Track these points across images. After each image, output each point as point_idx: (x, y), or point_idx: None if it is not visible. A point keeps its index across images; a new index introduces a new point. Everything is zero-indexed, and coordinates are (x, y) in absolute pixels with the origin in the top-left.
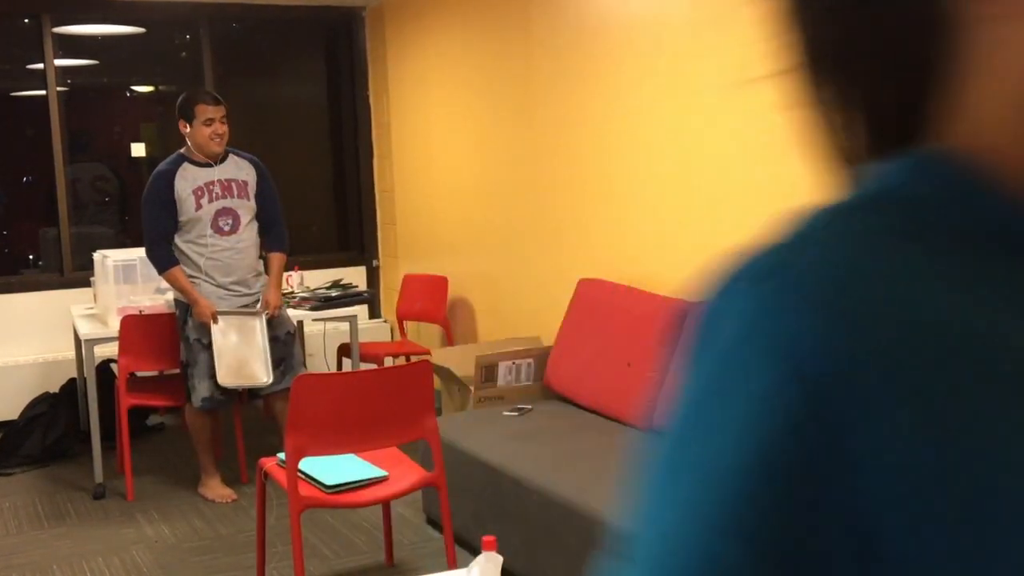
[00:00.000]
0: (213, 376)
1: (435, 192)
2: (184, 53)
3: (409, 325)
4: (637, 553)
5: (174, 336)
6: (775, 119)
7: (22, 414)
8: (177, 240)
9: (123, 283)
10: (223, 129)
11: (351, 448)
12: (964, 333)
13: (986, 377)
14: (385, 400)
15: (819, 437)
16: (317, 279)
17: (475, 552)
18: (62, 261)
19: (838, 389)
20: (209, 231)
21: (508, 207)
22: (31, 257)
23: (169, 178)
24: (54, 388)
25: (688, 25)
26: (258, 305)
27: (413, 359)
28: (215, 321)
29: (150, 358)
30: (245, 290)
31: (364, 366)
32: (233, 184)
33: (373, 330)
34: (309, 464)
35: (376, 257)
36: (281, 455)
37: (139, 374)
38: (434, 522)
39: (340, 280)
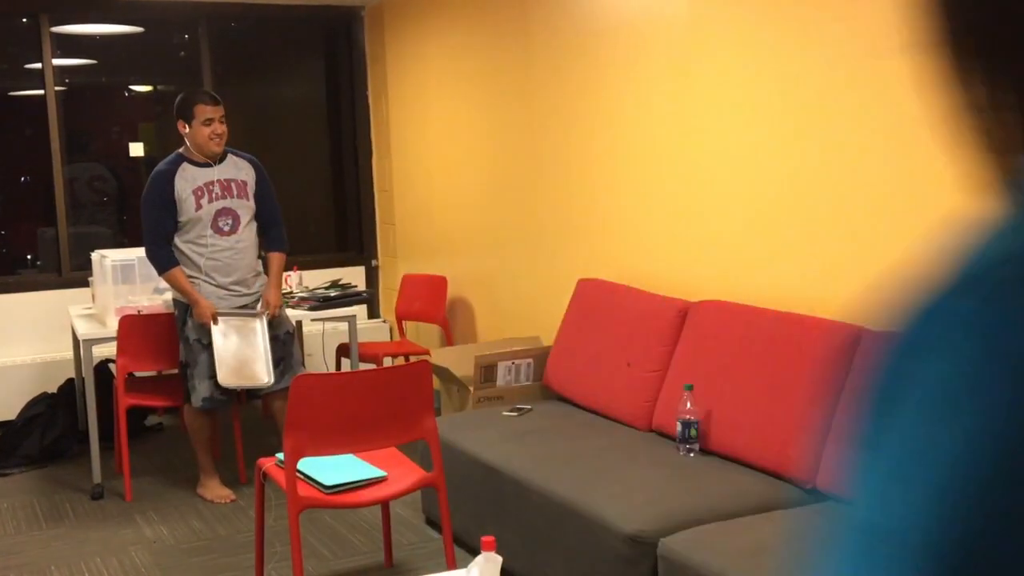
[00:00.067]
0: (213, 376)
1: (434, 192)
2: (182, 53)
3: (408, 325)
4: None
5: (173, 336)
6: (776, 118)
7: (20, 414)
8: (176, 240)
9: (121, 283)
10: (222, 129)
11: (350, 448)
12: None
13: None
14: (384, 400)
15: None
16: (316, 279)
17: (474, 552)
18: (60, 261)
19: None
20: (209, 231)
21: (507, 207)
22: (29, 257)
23: (169, 178)
24: (52, 388)
25: (689, 24)
26: (259, 305)
27: (412, 359)
28: (215, 322)
29: (148, 358)
30: (245, 290)
31: (363, 366)
32: (233, 184)
33: (372, 330)
34: (308, 464)
35: (375, 257)
36: (280, 455)
37: (137, 374)
38: (433, 522)
39: (339, 280)
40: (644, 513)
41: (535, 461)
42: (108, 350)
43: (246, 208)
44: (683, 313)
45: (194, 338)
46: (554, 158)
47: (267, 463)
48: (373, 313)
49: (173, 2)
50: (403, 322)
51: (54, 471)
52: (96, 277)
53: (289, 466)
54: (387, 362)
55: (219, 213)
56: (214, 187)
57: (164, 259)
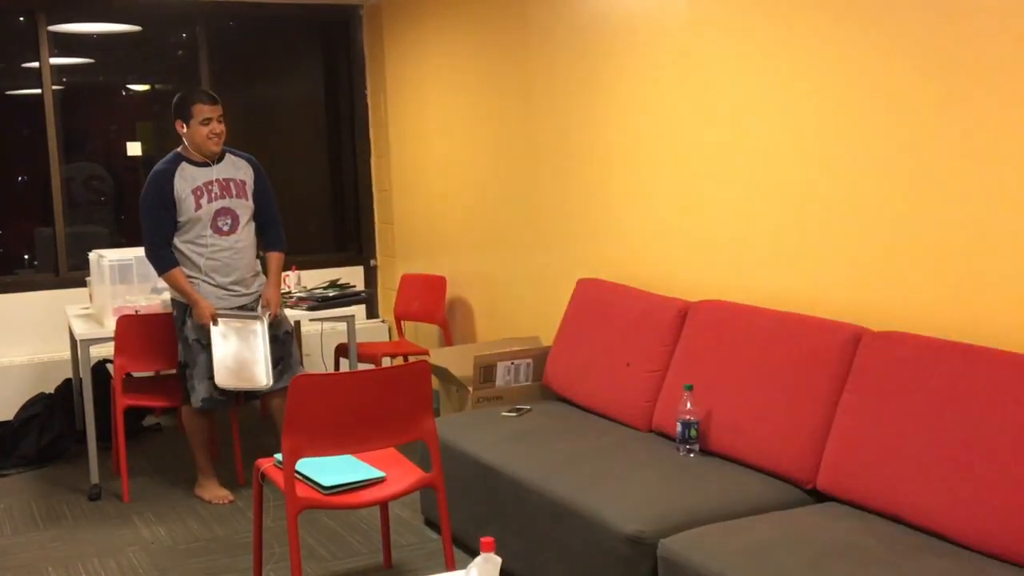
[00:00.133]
0: (212, 376)
1: (433, 191)
2: (180, 52)
3: (407, 325)
4: None
5: (170, 336)
6: (776, 117)
7: (17, 415)
8: (175, 240)
9: (119, 283)
10: (220, 128)
11: (348, 449)
12: None
13: None
14: (383, 401)
15: None
16: (314, 279)
17: (473, 553)
18: (57, 261)
19: None
20: (208, 231)
21: (506, 206)
22: (26, 257)
23: (168, 178)
24: (49, 389)
25: (689, 23)
26: (259, 306)
27: (411, 359)
28: (215, 323)
29: (146, 358)
30: (244, 290)
31: (362, 366)
32: (231, 184)
33: (371, 330)
34: (306, 465)
35: (374, 257)
36: (278, 456)
37: (135, 374)
38: (432, 523)
39: (337, 280)
40: (644, 514)
41: (534, 461)
42: (106, 350)
43: (245, 208)
44: (683, 313)
45: (193, 338)
46: (553, 157)
47: (265, 464)
48: (372, 313)
49: (171, 1)
50: (402, 322)
51: (51, 472)
52: (93, 277)
53: (287, 467)
54: (386, 362)
55: (218, 213)
56: (213, 187)
57: (164, 259)
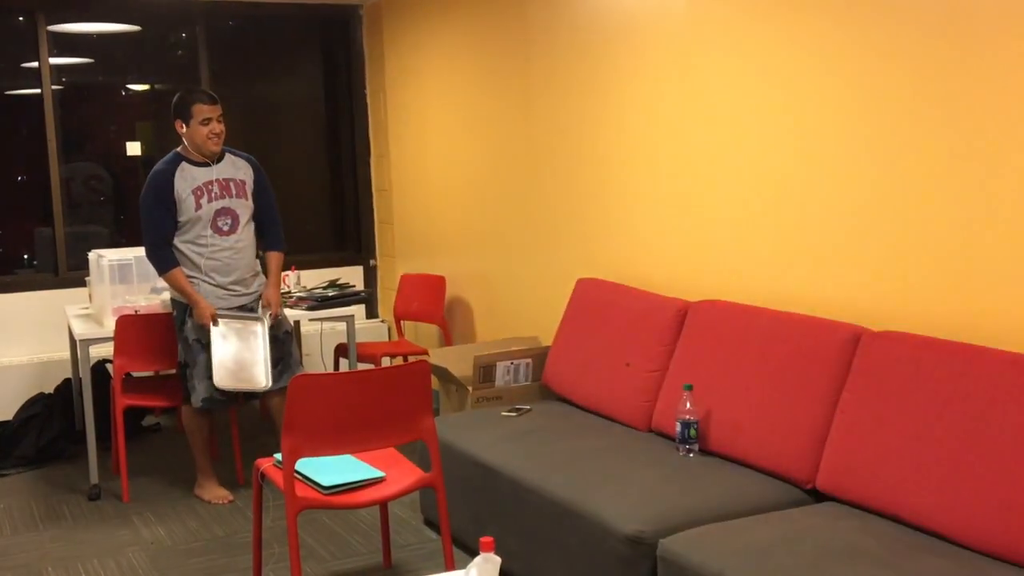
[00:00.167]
0: (212, 376)
1: (432, 191)
2: (180, 51)
3: (406, 325)
4: None
5: (170, 336)
6: (776, 117)
7: (16, 415)
8: (176, 240)
9: (118, 283)
10: (220, 128)
11: (348, 449)
12: None
13: None
14: (382, 400)
15: None
16: (314, 279)
17: (473, 553)
18: (57, 261)
19: None
20: (208, 231)
21: (506, 206)
22: (26, 257)
23: (168, 178)
24: (49, 389)
25: (689, 23)
26: (259, 307)
27: (411, 359)
28: (215, 323)
29: (146, 358)
30: (244, 290)
31: (361, 366)
32: (231, 184)
33: (370, 330)
34: (306, 465)
35: (373, 256)
36: (277, 456)
37: (135, 374)
38: (432, 523)
39: (337, 280)
40: (643, 514)
41: (534, 461)
42: (105, 350)
43: (245, 208)
44: (682, 313)
45: (193, 338)
46: (553, 157)
47: (265, 464)
48: (371, 313)
49: (170, 1)
50: (401, 322)
51: (51, 472)
52: (93, 277)
53: (287, 467)
54: (385, 362)
55: (218, 213)
56: (213, 187)
57: (164, 259)
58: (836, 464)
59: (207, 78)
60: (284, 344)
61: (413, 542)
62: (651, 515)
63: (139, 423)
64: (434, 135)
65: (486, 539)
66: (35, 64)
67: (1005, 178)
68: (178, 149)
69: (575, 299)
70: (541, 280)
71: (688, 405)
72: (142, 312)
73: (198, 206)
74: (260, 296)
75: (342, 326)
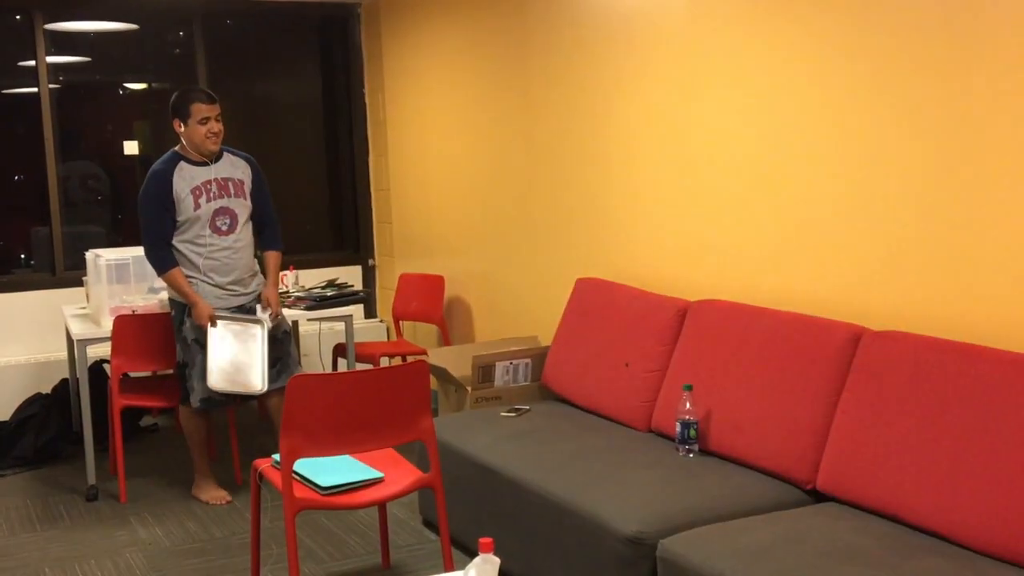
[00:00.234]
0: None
1: (431, 190)
2: (177, 50)
3: (405, 325)
4: None
5: (168, 336)
6: (775, 117)
7: (14, 415)
8: (174, 240)
9: (116, 283)
10: (219, 127)
11: (346, 449)
12: None
13: None
14: (381, 401)
15: None
16: (312, 278)
17: (472, 554)
18: (54, 260)
19: None
20: (207, 231)
21: (505, 206)
22: (23, 256)
23: (167, 177)
24: (46, 389)
25: (689, 22)
26: (258, 308)
27: (409, 359)
28: (213, 324)
29: (143, 358)
30: (242, 289)
31: (360, 366)
32: (230, 183)
33: (369, 330)
34: (304, 465)
35: (372, 256)
36: (276, 456)
37: (132, 375)
38: (431, 524)
39: (335, 279)
40: (643, 514)
41: (533, 462)
42: (102, 350)
43: (243, 207)
44: (682, 313)
45: (192, 338)
46: (552, 156)
47: (263, 464)
48: (370, 313)
49: None
50: (400, 322)
51: (48, 472)
52: (90, 277)
53: (285, 467)
54: (384, 362)
55: (217, 212)
56: (212, 186)
57: (164, 259)
58: (836, 464)
59: (205, 77)
60: (282, 344)
61: (412, 543)
62: (651, 515)
63: (137, 423)
64: (433, 134)
65: (485, 540)
66: (32, 63)
67: (1005, 178)
68: (176, 148)
69: (574, 299)
70: (540, 280)
71: (688, 405)
72: (139, 312)
73: (197, 206)
74: (259, 296)
75: (340, 326)
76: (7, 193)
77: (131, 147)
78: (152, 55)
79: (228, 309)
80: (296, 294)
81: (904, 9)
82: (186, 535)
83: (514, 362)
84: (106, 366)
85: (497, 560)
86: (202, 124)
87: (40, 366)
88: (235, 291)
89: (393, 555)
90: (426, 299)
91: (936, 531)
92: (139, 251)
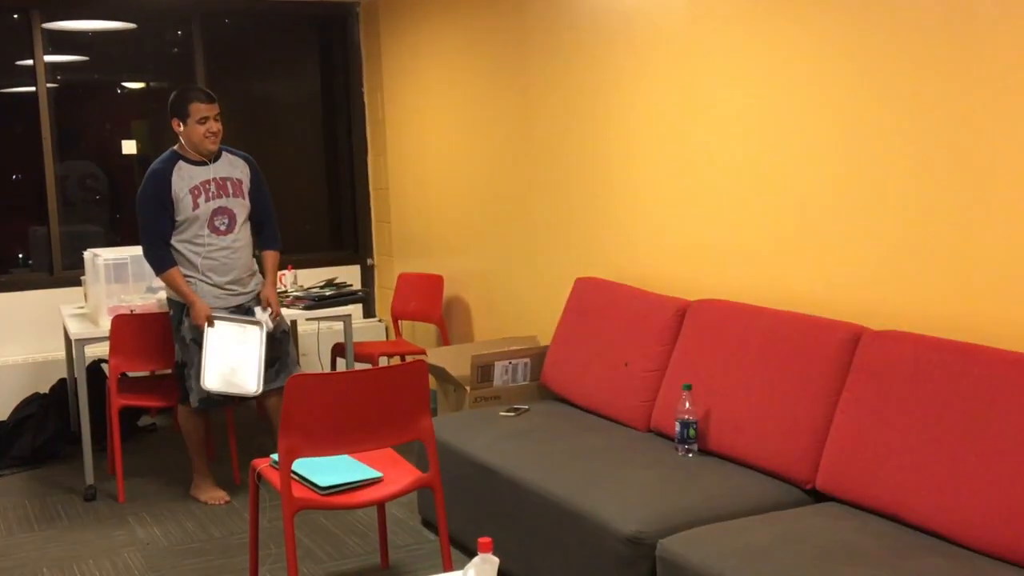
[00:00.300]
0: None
1: (430, 190)
2: (175, 49)
3: (404, 324)
4: None
5: (166, 336)
6: (774, 117)
7: (11, 415)
8: (172, 240)
9: (114, 282)
10: (217, 127)
11: (345, 449)
12: None
13: None
14: (380, 400)
15: None
16: (311, 278)
17: (471, 554)
18: (52, 260)
19: None
20: (205, 231)
21: (504, 205)
22: (20, 256)
23: (166, 177)
24: (44, 389)
25: (689, 22)
26: (257, 310)
27: (408, 359)
28: (211, 324)
29: (141, 358)
30: (241, 289)
31: (359, 366)
32: (228, 183)
33: (368, 329)
34: (303, 465)
35: (371, 255)
36: (274, 456)
37: (130, 374)
38: (429, 524)
39: (334, 279)
40: (642, 514)
41: (532, 461)
42: (100, 350)
43: (242, 207)
44: (681, 312)
45: (190, 338)
46: (551, 155)
47: (261, 464)
48: (369, 312)
49: None
50: (399, 321)
51: (46, 472)
52: (88, 276)
53: (284, 467)
54: (383, 362)
55: (215, 212)
56: (210, 186)
57: (162, 259)
58: (836, 464)
59: (203, 76)
60: (281, 343)
61: (411, 543)
62: (650, 515)
63: (135, 423)
64: (432, 133)
65: (484, 540)
66: (30, 62)
67: (1005, 178)
68: (175, 148)
69: (574, 298)
70: (539, 279)
71: (687, 405)
72: (138, 312)
73: (195, 205)
74: (257, 296)
75: (339, 326)
76: (5, 192)
77: (129, 146)
78: (150, 54)
79: (227, 309)
80: (295, 294)
81: (903, 10)
82: (184, 535)
83: (513, 362)
84: (104, 366)
85: (496, 560)
86: (201, 124)
87: (38, 366)
88: (234, 291)
89: (392, 555)
90: (425, 299)
91: (936, 531)
92: (137, 251)
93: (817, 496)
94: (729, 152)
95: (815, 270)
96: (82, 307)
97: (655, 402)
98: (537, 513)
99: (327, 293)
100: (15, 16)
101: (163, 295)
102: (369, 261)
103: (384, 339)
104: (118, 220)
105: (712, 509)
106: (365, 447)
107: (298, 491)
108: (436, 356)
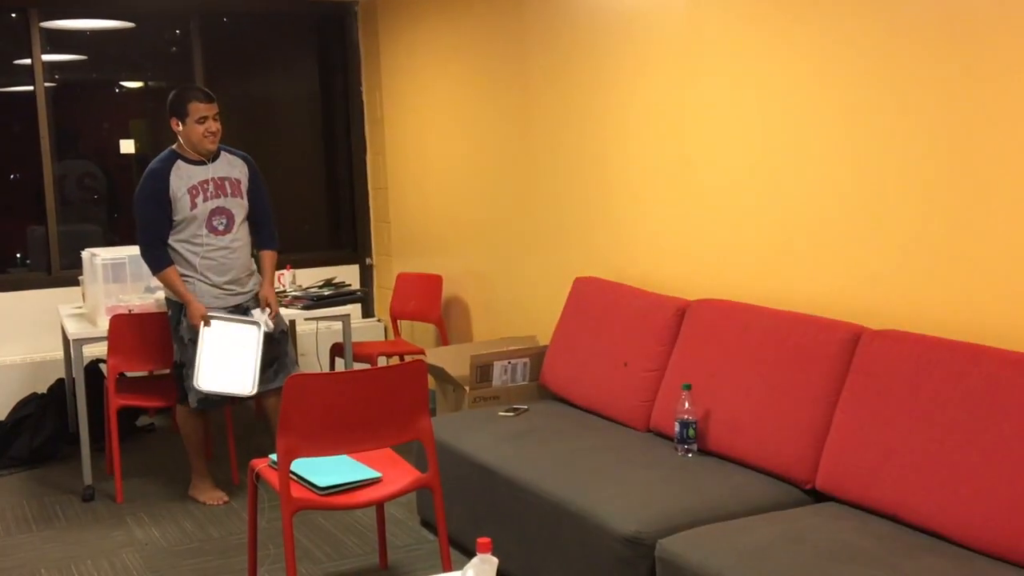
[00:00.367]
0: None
1: (429, 189)
2: (174, 48)
3: (403, 324)
4: None
5: (164, 336)
6: (775, 117)
7: (9, 415)
8: (170, 240)
9: (112, 282)
10: (216, 127)
11: (344, 449)
12: None
13: None
14: (379, 400)
15: None
16: (309, 277)
17: (470, 554)
18: (50, 260)
19: None
20: (204, 230)
21: (503, 205)
22: (18, 256)
23: (164, 176)
24: (42, 389)
25: (688, 21)
26: (258, 308)
27: (407, 359)
28: (207, 324)
29: (140, 358)
30: (239, 289)
31: (357, 366)
32: (227, 183)
33: (366, 329)
34: (301, 465)
35: (369, 255)
36: (273, 456)
37: (128, 374)
38: (428, 524)
39: (333, 279)
40: (642, 514)
41: (531, 462)
42: (99, 350)
43: (240, 207)
44: (681, 312)
45: (189, 338)
46: (550, 155)
47: (260, 464)
48: (367, 312)
49: None
50: (398, 321)
51: (44, 473)
52: (86, 276)
53: (282, 467)
54: (382, 362)
55: (214, 212)
56: (208, 186)
57: (159, 259)
58: (836, 464)
59: (201, 75)
60: (279, 343)
61: (410, 543)
62: (650, 515)
63: (133, 423)
64: (431, 133)
65: (483, 540)
66: (28, 61)
67: (1005, 178)
68: (173, 147)
69: (573, 298)
70: (539, 279)
71: (687, 405)
72: (136, 311)
73: (193, 205)
74: (256, 295)
75: (338, 325)
76: (3, 192)
77: (127, 146)
78: (149, 53)
79: (225, 309)
80: (293, 293)
81: (906, 10)
82: (183, 535)
83: (512, 361)
84: (102, 366)
85: (495, 560)
86: (200, 123)
87: (36, 366)
88: (232, 291)
89: (391, 555)
90: (424, 298)
91: (936, 531)
92: (135, 250)
93: (817, 496)
94: (729, 152)
95: (815, 270)
96: (80, 307)
97: (654, 402)
98: (536, 513)
99: (326, 293)
100: (13, 15)
101: (161, 295)
102: (368, 261)
103: (383, 339)
104: (116, 220)
105: (711, 509)
106: (364, 447)
107: (297, 491)
108: (435, 356)
